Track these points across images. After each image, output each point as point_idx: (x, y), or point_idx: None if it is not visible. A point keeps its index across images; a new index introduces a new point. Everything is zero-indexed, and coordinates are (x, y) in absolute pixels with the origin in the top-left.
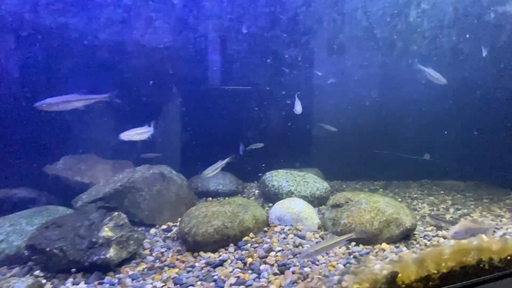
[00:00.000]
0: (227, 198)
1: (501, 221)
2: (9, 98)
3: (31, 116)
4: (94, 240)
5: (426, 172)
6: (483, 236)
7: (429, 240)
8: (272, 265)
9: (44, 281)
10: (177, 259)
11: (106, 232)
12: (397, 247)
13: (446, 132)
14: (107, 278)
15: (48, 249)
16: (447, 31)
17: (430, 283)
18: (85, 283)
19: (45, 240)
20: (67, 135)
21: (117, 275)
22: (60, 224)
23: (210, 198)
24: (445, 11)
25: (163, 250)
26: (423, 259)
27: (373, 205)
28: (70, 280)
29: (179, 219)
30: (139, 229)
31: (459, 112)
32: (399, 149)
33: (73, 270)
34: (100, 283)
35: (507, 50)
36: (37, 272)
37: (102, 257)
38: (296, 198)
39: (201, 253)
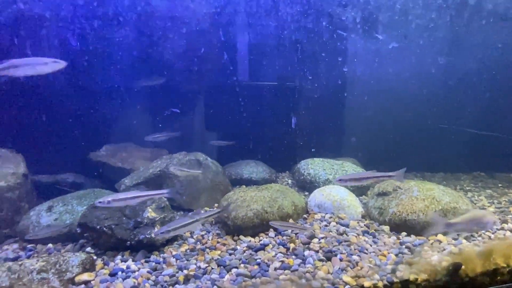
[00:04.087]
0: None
1: None
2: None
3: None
4: (139, 220)
5: (478, 163)
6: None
7: (493, 233)
8: (317, 252)
9: (95, 257)
10: (218, 242)
11: (150, 213)
12: (455, 239)
13: None
14: (152, 257)
15: (98, 227)
16: None
17: (499, 277)
18: (133, 260)
19: (95, 219)
20: (106, 126)
21: (161, 255)
22: None
23: (244, 186)
24: None
25: (202, 233)
26: (490, 252)
27: (426, 193)
28: (119, 257)
29: (216, 204)
30: (178, 213)
31: None
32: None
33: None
34: (146, 261)
35: None
36: (88, 249)
37: (148, 236)
38: (336, 186)
39: (241, 237)
